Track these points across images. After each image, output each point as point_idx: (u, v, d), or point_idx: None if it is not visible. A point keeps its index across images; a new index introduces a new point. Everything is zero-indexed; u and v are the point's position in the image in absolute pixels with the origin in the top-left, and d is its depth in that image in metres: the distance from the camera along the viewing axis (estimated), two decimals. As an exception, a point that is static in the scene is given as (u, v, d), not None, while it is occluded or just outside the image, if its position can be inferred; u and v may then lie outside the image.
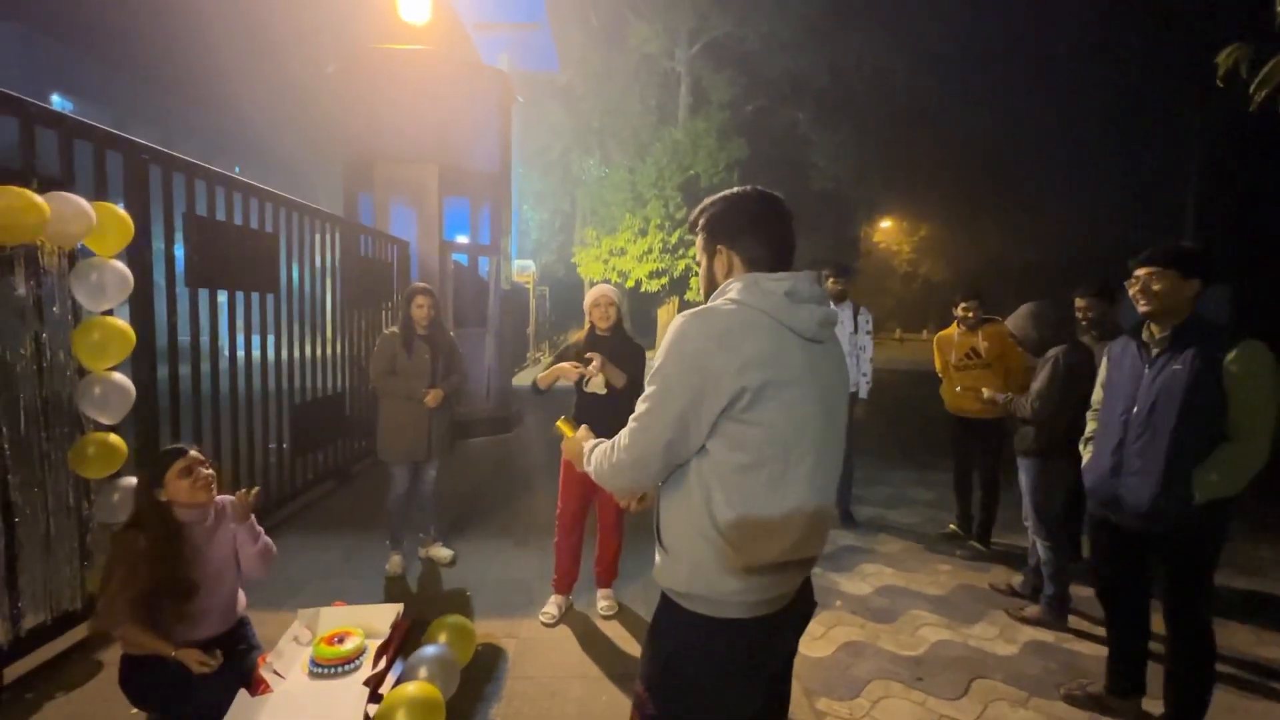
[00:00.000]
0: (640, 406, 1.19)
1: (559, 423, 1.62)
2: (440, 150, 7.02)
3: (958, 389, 3.86)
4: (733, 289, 1.20)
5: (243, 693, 1.87)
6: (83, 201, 2.42)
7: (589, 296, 3.03)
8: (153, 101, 15.55)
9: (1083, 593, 3.11)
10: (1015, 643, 2.89)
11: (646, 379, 1.20)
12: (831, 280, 4.23)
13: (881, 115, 20.38)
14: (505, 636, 2.84)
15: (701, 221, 1.33)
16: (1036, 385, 2.97)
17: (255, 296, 4.04)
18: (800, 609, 1.32)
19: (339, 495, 4.98)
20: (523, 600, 3.21)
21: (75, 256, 2.53)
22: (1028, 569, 3.32)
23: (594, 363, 2.88)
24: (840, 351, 1.32)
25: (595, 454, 1.30)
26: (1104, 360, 2.41)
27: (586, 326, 3.08)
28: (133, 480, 2.69)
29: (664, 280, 16.93)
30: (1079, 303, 3.44)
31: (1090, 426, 2.44)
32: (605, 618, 3.05)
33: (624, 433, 1.22)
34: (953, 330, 4.03)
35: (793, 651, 1.38)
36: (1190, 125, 15.36)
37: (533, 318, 17.39)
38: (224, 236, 3.62)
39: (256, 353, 4.13)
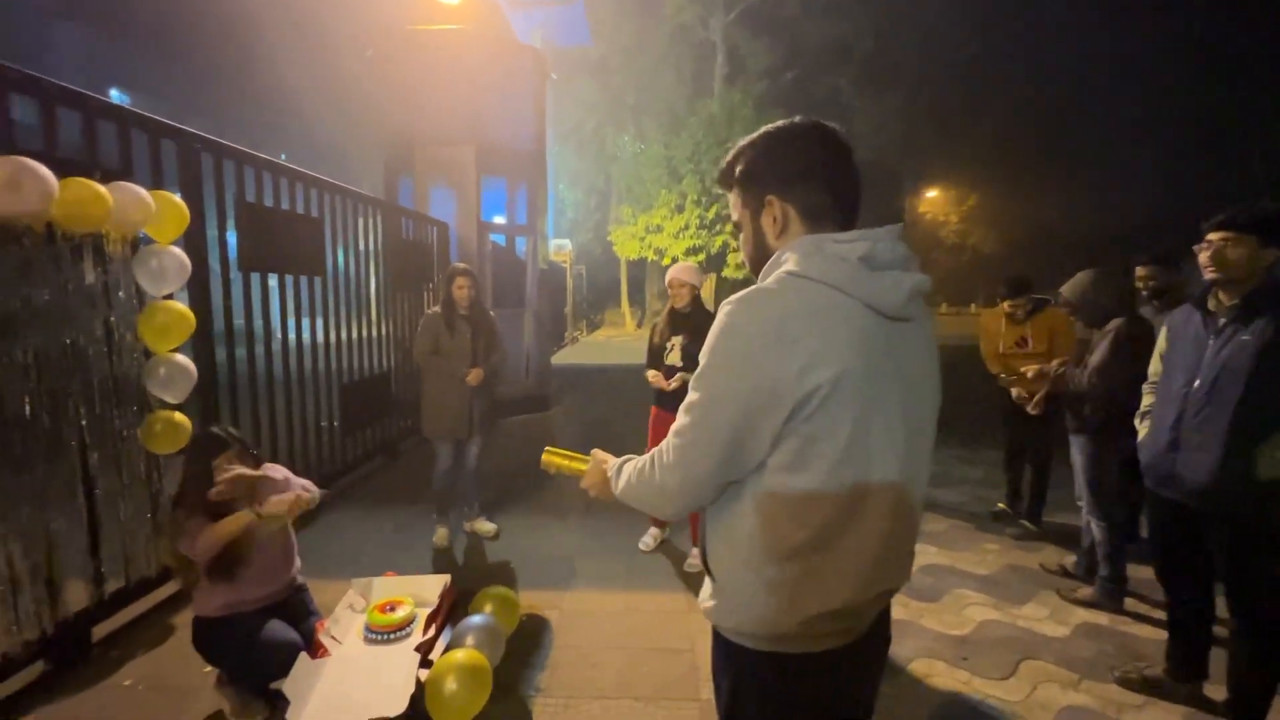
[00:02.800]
0: (683, 418, 0.96)
1: (545, 455, 1.33)
2: (478, 130, 7.05)
3: (1003, 375, 3.72)
4: (789, 258, 0.94)
5: (304, 655, 1.99)
6: (142, 191, 2.53)
7: (667, 277, 3.32)
8: (202, 93, 16.07)
9: (1139, 574, 3.00)
10: (1067, 624, 2.81)
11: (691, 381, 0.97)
12: None
13: (929, 80, 19.53)
14: (548, 608, 2.91)
15: (740, 169, 1.03)
16: (1095, 358, 2.84)
17: (303, 280, 4.18)
18: (877, 641, 1.07)
19: (387, 471, 5.16)
20: (564, 573, 3.29)
21: (137, 244, 2.66)
22: (1081, 550, 3.21)
23: (675, 351, 3.28)
24: (930, 330, 1.03)
25: (626, 473, 1.07)
26: (1163, 331, 2.29)
27: (667, 306, 3.40)
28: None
29: (701, 257, 16.77)
30: (1140, 271, 3.25)
31: (1146, 401, 2.33)
32: (689, 572, 3.30)
33: (665, 448, 0.99)
34: (1000, 316, 3.87)
35: (873, 689, 1.12)
36: (1267, 81, 14.20)
37: (570, 297, 17.49)
38: (273, 222, 3.74)
39: (306, 335, 4.28)
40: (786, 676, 0.99)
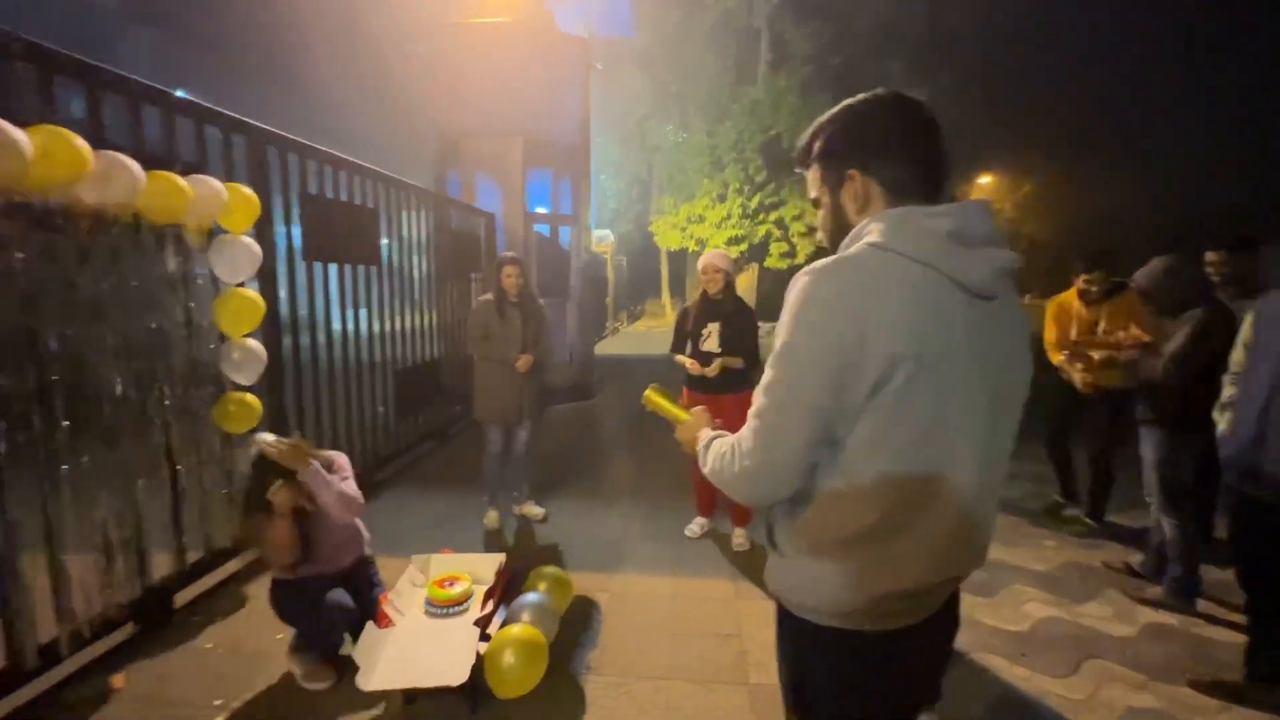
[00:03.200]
0: (761, 399, 0.93)
1: (650, 392, 1.35)
2: (524, 123, 7.13)
3: (1077, 366, 3.50)
4: (873, 230, 0.91)
5: (370, 624, 2.09)
6: (217, 183, 2.66)
7: (699, 262, 3.33)
8: (260, 91, 16.70)
9: (1212, 576, 2.86)
10: (1133, 624, 2.70)
11: (768, 357, 0.95)
12: None
13: (983, 63, 18.74)
14: (597, 590, 2.96)
15: (819, 145, 1.01)
16: (1173, 348, 2.69)
17: (360, 269, 4.32)
18: (946, 621, 1.06)
19: (438, 454, 5.32)
20: (612, 557, 3.34)
21: (213, 234, 2.80)
22: (1149, 548, 3.08)
23: (711, 338, 3.28)
24: (1019, 311, 0.99)
25: (713, 454, 1.04)
26: (1247, 319, 2.16)
27: (699, 293, 3.35)
28: (269, 436, 3.00)
29: (743, 247, 16.57)
30: (1212, 257, 3.00)
31: (1228, 392, 2.21)
32: (739, 552, 3.39)
33: (745, 433, 0.96)
34: (1073, 299, 3.64)
35: (941, 669, 1.12)
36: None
37: (611, 287, 17.56)
38: (333, 213, 3.88)
39: (363, 324, 4.43)
40: (855, 653, 0.98)
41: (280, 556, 2.17)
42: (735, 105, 16.66)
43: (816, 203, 1.06)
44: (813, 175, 1.05)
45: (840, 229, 1.01)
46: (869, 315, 0.84)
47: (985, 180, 33.12)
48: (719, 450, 1.03)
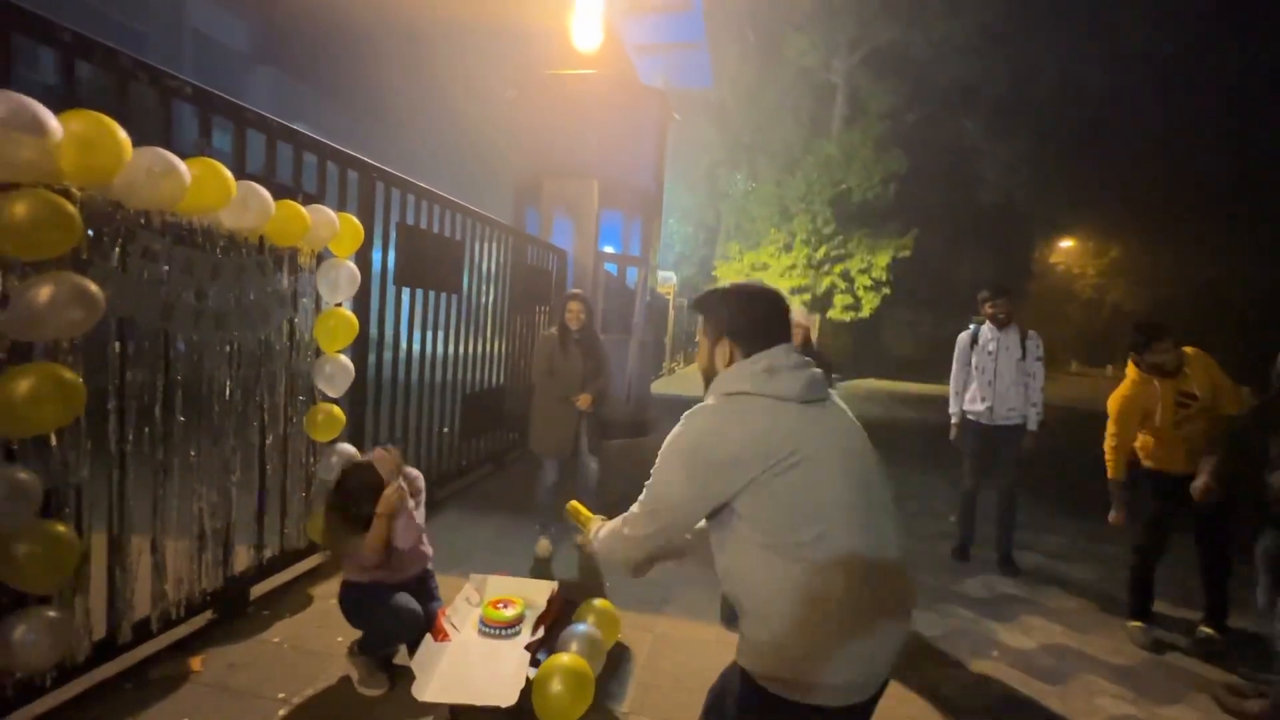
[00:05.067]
0: (644, 493, 1.32)
1: (571, 506, 1.74)
2: (601, 166, 7.47)
3: (1183, 450, 3.05)
4: (722, 382, 1.30)
5: (428, 637, 2.18)
6: (331, 212, 2.94)
7: None
8: (365, 127, 18.17)
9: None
10: (1224, 735, 2.47)
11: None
12: (988, 303, 3.96)
13: (1067, 123, 18.27)
14: (642, 630, 2.96)
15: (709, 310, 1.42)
16: None
17: (442, 296, 4.60)
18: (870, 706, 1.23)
19: (495, 479, 5.47)
20: (657, 598, 3.33)
21: (321, 257, 3.08)
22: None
23: None
24: (843, 408, 1.34)
25: (603, 533, 1.47)
26: None
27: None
28: (348, 447, 3.20)
29: (806, 297, 16.49)
30: None
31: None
32: None
33: (627, 517, 1.36)
34: (1137, 383, 3.16)
35: None
36: None
37: (670, 328, 17.74)
38: (425, 242, 4.17)
39: (440, 348, 4.68)
40: (772, 711, 1.18)
41: (373, 557, 2.29)
42: (808, 158, 16.82)
43: (697, 344, 1.45)
44: (700, 325, 1.43)
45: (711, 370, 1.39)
46: (726, 436, 1.19)
47: (1066, 244, 31.80)
48: (607, 529, 1.45)
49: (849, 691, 1.15)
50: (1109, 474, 3.25)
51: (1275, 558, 2.54)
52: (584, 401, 3.68)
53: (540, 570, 3.62)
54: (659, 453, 1.29)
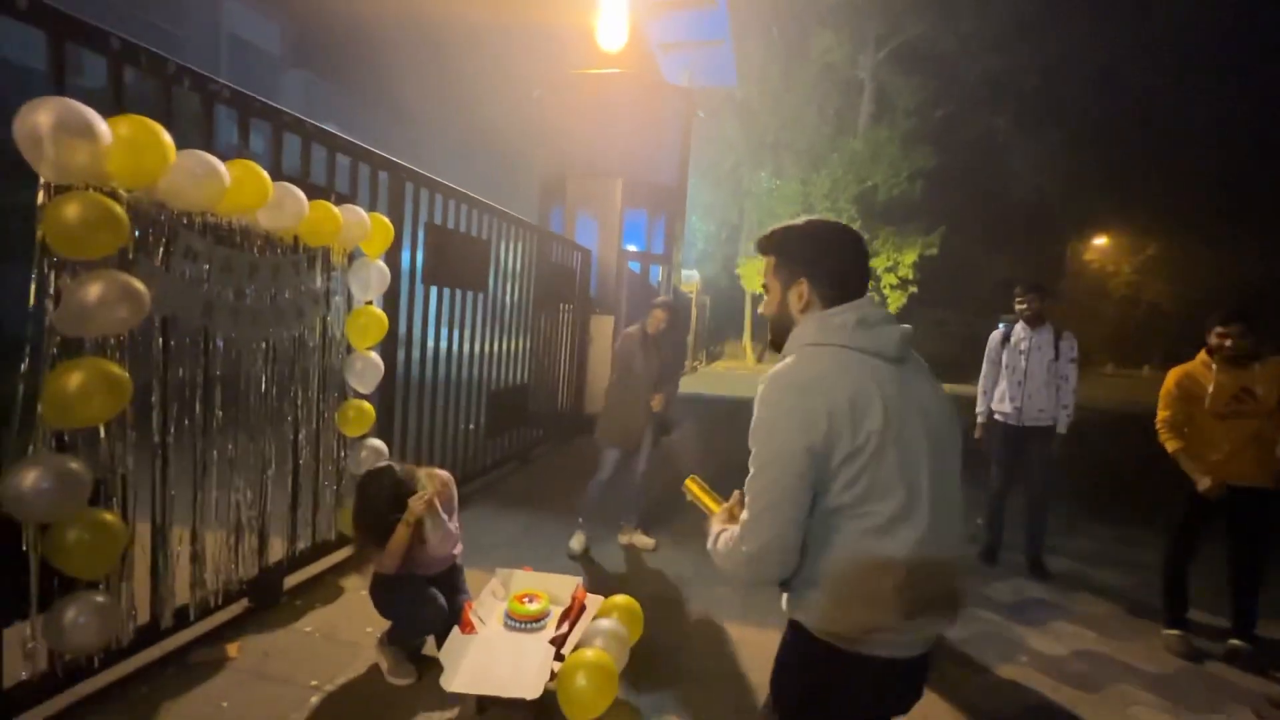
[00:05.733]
0: (749, 494, 1.15)
1: (689, 482, 1.45)
2: (625, 165, 7.50)
3: (1222, 449, 2.93)
4: (806, 334, 1.19)
5: (456, 629, 2.22)
6: (362, 211, 3.01)
7: None
8: (393, 128, 18.47)
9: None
10: (1265, 748, 2.39)
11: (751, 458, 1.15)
12: (1020, 300, 3.89)
13: (1101, 117, 17.79)
14: (664, 628, 2.97)
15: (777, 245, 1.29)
16: None
17: (468, 294, 4.66)
18: (919, 675, 1.24)
19: (519, 475, 5.53)
20: (681, 596, 3.34)
21: (353, 256, 3.15)
22: None
23: None
24: (923, 365, 1.25)
25: (721, 545, 1.21)
26: None
27: None
28: (378, 442, 3.27)
29: (830, 295, 16.31)
30: None
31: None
32: None
33: (740, 526, 1.16)
34: (1200, 369, 3.07)
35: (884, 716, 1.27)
36: None
37: (693, 325, 17.70)
38: (452, 241, 4.23)
39: (467, 346, 4.74)
40: (864, 675, 1.16)
41: (395, 560, 2.37)
42: (833, 155, 16.65)
43: (765, 288, 1.32)
44: (769, 264, 1.30)
45: (784, 323, 1.27)
46: (826, 395, 1.08)
47: (1100, 241, 30.89)
48: (724, 540, 1.20)
49: (908, 647, 1.17)
50: (1169, 450, 3.12)
51: None
52: (657, 403, 3.81)
53: (567, 566, 3.65)
54: (752, 431, 1.15)
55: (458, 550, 2.61)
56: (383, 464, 2.54)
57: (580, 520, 3.88)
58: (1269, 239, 24.46)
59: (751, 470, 1.14)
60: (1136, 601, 3.67)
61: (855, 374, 1.11)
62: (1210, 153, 24.37)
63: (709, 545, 1.25)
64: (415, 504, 2.35)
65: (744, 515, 1.15)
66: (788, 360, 1.18)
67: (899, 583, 1.09)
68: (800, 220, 1.27)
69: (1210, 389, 2.99)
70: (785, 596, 1.23)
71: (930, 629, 1.18)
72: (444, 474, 2.56)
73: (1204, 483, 2.96)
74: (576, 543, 3.82)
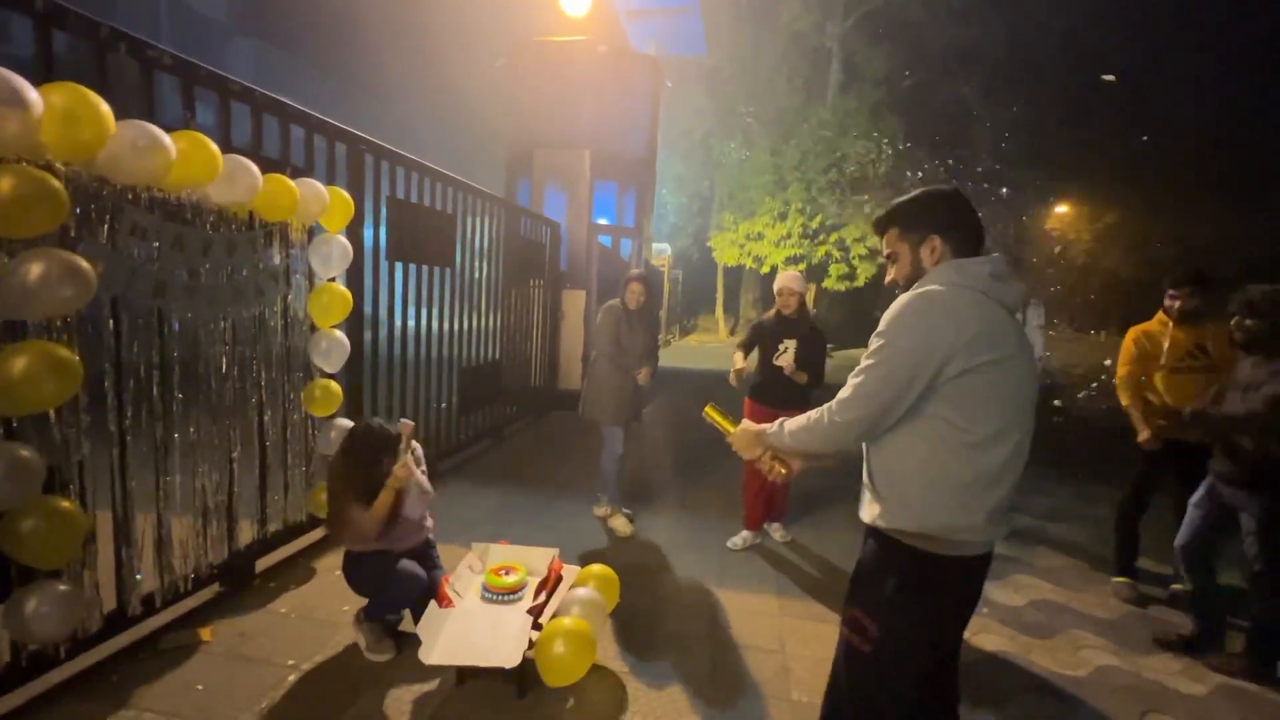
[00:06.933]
0: (861, 370, 1.34)
1: (709, 410, 1.74)
2: (593, 137, 7.37)
3: (1166, 399, 3.08)
4: (944, 275, 1.35)
5: (433, 603, 2.23)
6: (321, 186, 2.91)
7: (776, 284, 3.57)
8: (348, 97, 17.78)
9: None
10: (1203, 683, 2.56)
11: (868, 350, 1.35)
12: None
13: (1064, 86, 18.03)
14: (642, 594, 3.02)
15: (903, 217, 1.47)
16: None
17: (435, 270, 4.57)
18: (983, 577, 1.45)
19: (494, 452, 5.52)
20: (657, 564, 3.40)
21: (312, 232, 3.05)
22: (1194, 615, 2.81)
23: (788, 353, 3.45)
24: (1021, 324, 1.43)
25: (792, 426, 1.47)
26: None
27: (774, 310, 3.62)
28: (347, 422, 3.22)
29: (801, 266, 16.40)
30: None
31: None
32: (782, 543, 3.78)
33: (843, 394, 1.36)
34: (1158, 327, 3.23)
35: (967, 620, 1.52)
36: None
37: (666, 301, 17.69)
38: (416, 216, 4.13)
39: (434, 323, 4.67)
40: (951, 574, 1.36)
41: (376, 528, 2.32)
42: (803, 125, 16.58)
43: (891, 257, 1.49)
44: (892, 235, 1.48)
45: (917, 272, 1.44)
46: (959, 318, 1.28)
47: (1062, 209, 31.53)
48: (802, 419, 1.45)
49: (981, 547, 1.38)
50: (1123, 403, 3.27)
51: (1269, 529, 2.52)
52: (644, 376, 3.80)
53: (546, 538, 3.66)
54: (881, 333, 1.33)
55: (430, 523, 2.59)
56: (373, 421, 2.49)
57: (601, 498, 3.92)
58: (1219, 207, 25.26)
59: (869, 359, 1.33)
60: (1091, 554, 3.87)
61: (985, 311, 1.30)
62: (1165, 122, 24.90)
63: (770, 431, 1.54)
64: (400, 470, 2.33)
65: (844, 393, 1.36)
66: (932, 285, 1.34)
67: (986, 491, 1.30)
68: (913, 193, 1.47)
69: (1166, 345, 3.16)
70: (868, 504, 1.43)
71: (996, 532, 1.37)
72: (409, 424, 2.50)
73: (1143, 434, 3.16)
74: (621, 528, 3.78)
